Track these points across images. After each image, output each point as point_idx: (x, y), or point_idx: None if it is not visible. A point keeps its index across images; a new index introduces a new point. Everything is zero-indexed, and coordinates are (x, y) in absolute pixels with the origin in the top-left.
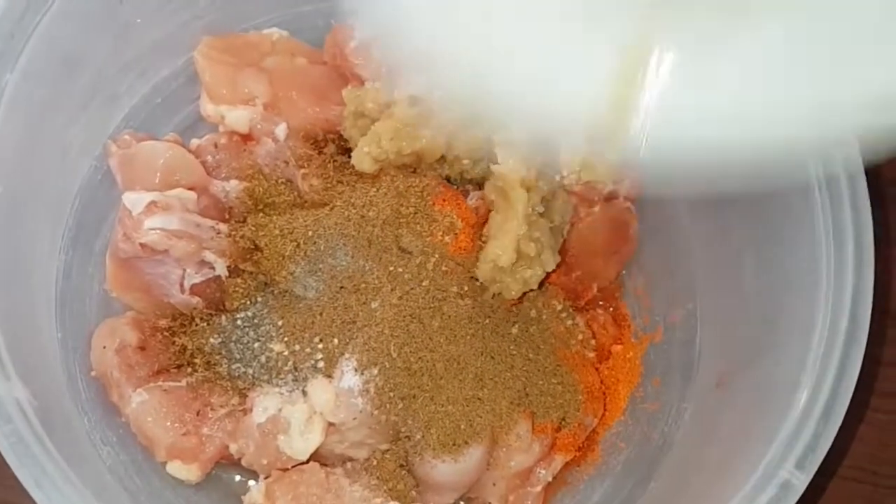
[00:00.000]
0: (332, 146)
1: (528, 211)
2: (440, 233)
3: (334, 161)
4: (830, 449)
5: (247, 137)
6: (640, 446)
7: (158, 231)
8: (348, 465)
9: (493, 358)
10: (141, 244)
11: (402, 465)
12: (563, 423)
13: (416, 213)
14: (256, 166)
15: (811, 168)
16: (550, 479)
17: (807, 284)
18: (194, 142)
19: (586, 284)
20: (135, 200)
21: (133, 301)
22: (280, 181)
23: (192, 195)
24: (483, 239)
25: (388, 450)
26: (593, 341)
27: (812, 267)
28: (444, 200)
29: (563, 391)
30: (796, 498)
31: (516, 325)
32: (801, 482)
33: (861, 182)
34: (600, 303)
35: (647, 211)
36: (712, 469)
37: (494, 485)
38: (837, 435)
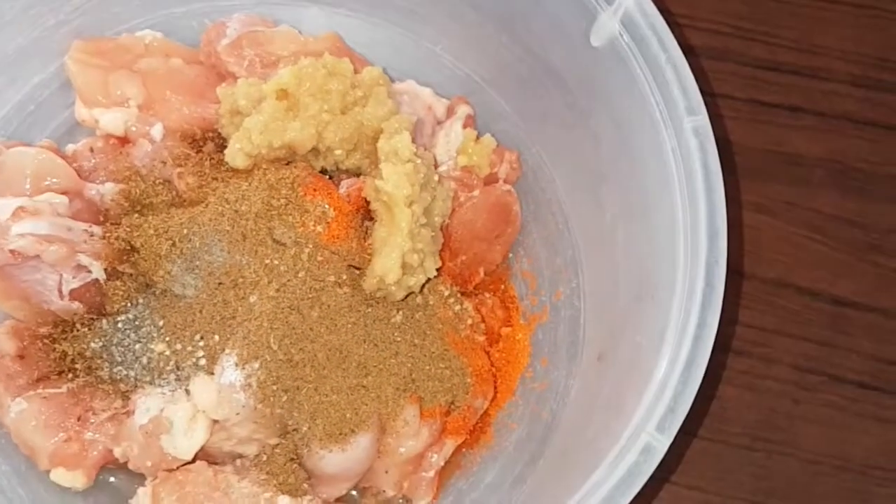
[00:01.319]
0: (210, 144)
1: (413, 226)
2: (312, 223)
3: (211, 159)
4: (691, 411)
5: (124, 140)
6: (530, 425)
7: (28, 236)
8: (238, 462)
9: (376, 345)
10: (11, 250)
11: (292, 459)
12: (452, 406)
13: (287, 205)
14: (133, 168)
15: (667, 143)
16: (443, 463)
17: (668, 254)
18: (70, 147)
19: (473, 269)
20: (1, 206)
21: (13, 310)
22: (158, 182)
23: (64, 199)
24: (364, 237)
25: (277, 444)
26: (483, 325)
27: (671, 237)
28: (315, 190)
29: (451, 375)
30: (657, 460)
31: (401, 312)
32: (662, 444)
33: (711, 148)
34: (490, 286)
35: (528, 193)
36: (591, 441)
37: (387, 472)
38: (698, 396)
